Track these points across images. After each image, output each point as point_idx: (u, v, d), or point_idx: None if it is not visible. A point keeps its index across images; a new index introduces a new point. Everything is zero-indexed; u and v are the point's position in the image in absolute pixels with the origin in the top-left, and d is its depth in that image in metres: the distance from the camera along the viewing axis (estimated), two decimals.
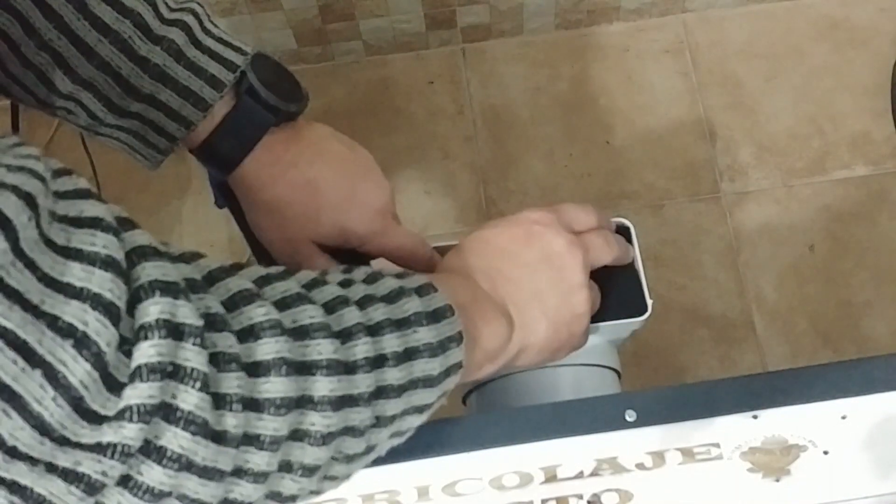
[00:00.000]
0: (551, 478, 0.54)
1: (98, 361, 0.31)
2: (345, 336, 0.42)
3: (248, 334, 0.38)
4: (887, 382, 0.53)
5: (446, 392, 0.49)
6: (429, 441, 0.53)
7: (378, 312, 0.44)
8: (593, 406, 0.54)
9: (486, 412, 0.61)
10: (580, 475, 0.54)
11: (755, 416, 0.53)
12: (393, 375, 0.44)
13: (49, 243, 0.31)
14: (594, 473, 0.54)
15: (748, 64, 1.62)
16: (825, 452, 0.54)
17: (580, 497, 0.54)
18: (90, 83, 0.57)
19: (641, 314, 0.61)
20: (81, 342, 0.31)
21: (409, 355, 0.45)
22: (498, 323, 0.52)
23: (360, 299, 0.44)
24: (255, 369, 0.38)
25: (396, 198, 0.66)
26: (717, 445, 0.54)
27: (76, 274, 0.31)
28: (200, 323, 0.35)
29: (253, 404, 0.37)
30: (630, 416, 0.53)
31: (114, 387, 0.32)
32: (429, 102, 1.62)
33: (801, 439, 0.54)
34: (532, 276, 0.55)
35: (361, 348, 0.42)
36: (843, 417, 0.54)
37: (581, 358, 0.63)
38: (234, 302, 0.38)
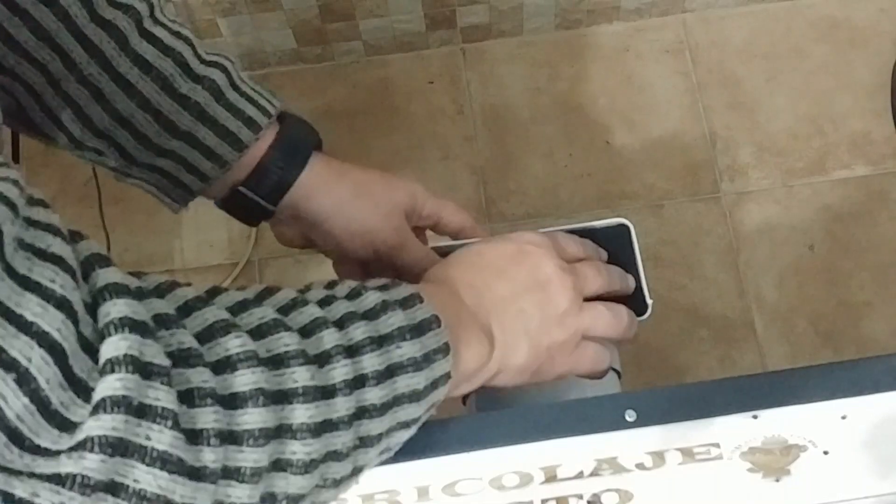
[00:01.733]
0: (551, 478, 0.54)
1: (36, 397, 0.31)
2: (322, 360, 0.42)
3: (224, 366, 0.38)
4: (887, 382, 0.53)
5: (435, 404, 0.48)
6: (429, 441, 0.53)
7: (358, 331, 0.44)
8: (593, 406, 0.54)
9: (486, 412, 0.61)
10: (580, 475, 0.54)
11: (755, 416, 0.53)
12: (374, 395, 0.44)
13: (10, 271, 0.32)
14: (594, 473, 0.54)
15: (748, 64, 1.62)
16: (825, 452, 0.54)
17: (580, 497, 0.54)
18: (128, 120, 0.57)
19: (641, 314, 0.61)
20: (23, 378, 0.31)
21: (391, 372, 0.45)
22: (479, 345, 0.52)
23: (339, 318, 0.44)
24: (232, 401, 0.37)
25: None
26: (717, 445, 0.54)
27: (31, 308, 0.32)
28: (167, 363, 0.35)
29: (231, 437, 0.37)
30: (630, 416, 0.53)
31: (63, 424, 0.32)
32: (429, 102, 1.62)
33: (801, 439, 0.54)
34: (519, 295, 0.54)
35: (340, 371, 0.42)
36: (843, 417, 0.54)
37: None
38: (210, 333, 0.38)
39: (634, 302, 0.61)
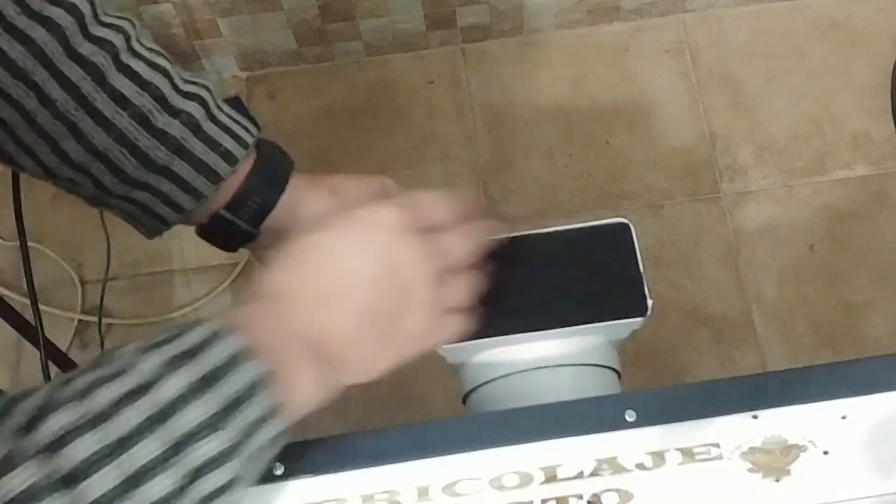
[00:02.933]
0: (551, 478, 0.54)
1: None
2: (69, 481, 0.38)
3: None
4: (887, 382, 0.53)
5: (266, 445, 0.45)
6: (429, 441, 0.53)
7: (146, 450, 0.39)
8: (593, 406, 0.54)
9: (486, 412, 0.61)
10: (580, 475, 0.54)
11: (755, 416, 0.53)
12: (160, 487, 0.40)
13: None
14: (594, 473, 0.54)
15: (748, 64, 1.62)
16: (825, 452, 0.54)
17: (580, 497, 0.54)
18: (104, 154, 0.56)
19: (641, 314, 0.61)
20: None
21: (176, 450, 0.40)
22: (309, 377, 0.47)
23: (93, 417, 0.39)
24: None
25: None
26: (717, 445, 0.54)
27: None
28: None
29: None
30: (630, 416, 0.53)
31: None
32: (429, 102, 1.62)
33: (801, 439, 0.54)
34: (370, 297, 0.49)
35: (99, 482, 0.38)
36: (843, 417, 0.54)
37: (581, 358, 0.63)
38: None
39: (634, 302, 0.61)
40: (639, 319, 0.61)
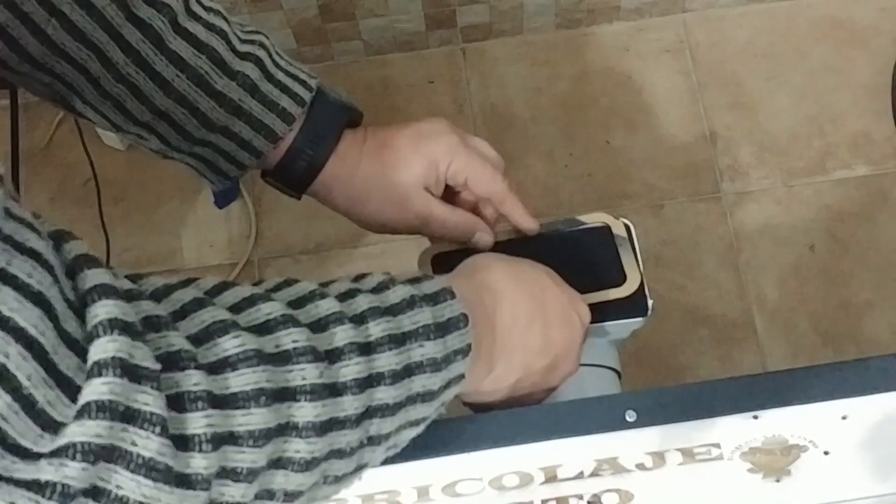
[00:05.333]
0: (551, 478, 0.54)
1: (19, 395, 0.30)
2: (333, 357, 0.41)
3: (222, 367, 0.37)
4: (887, 382, 0.53)
5: (445, 403, 0.48)
6: (429, 441, 0.53)
7: (378, 328, 0.43)
8: (593, 406, 0.54)
9: (486, 412, 0.61)
10: (580, 475, 0.54)
11: (755, 417, 0.53)
12: (388, 394, 0.43)
13: None
14: (594, 474, 0.54)
15: (748, 64, 1.62)
16: (826, 453, 0.54)
17: (580, 497, 0.54)
18: (166, 114, 0.58)
19: (642, 314, 0.61)
20: (2, 375, 0.30)
21: (408, 372, 0.44)
22: (478, 374, 0.52)
23: (360, 314, 0.43)
24: (231, 402, 0.36)
25: None
26: (718, 446, 0.54)
27: (7, 302, 0.30)
28: (157, 367, 0.34)
29: (229, 439, 0.36)
30: (630, 416, 0.53)
31: (48, 424, 0.31)
32: (429, 102, 1.62)
33: (802, 439, 0.54)
34: (551, 354, 0.55)
35: (351, 369, 0.41)
36: (844, 417, 0.54)
37: (581, 358, 0.63)
38: (207, 334, 0.37)
39: (635, 302, 0.61)
40: (639, 319, 0.61)
